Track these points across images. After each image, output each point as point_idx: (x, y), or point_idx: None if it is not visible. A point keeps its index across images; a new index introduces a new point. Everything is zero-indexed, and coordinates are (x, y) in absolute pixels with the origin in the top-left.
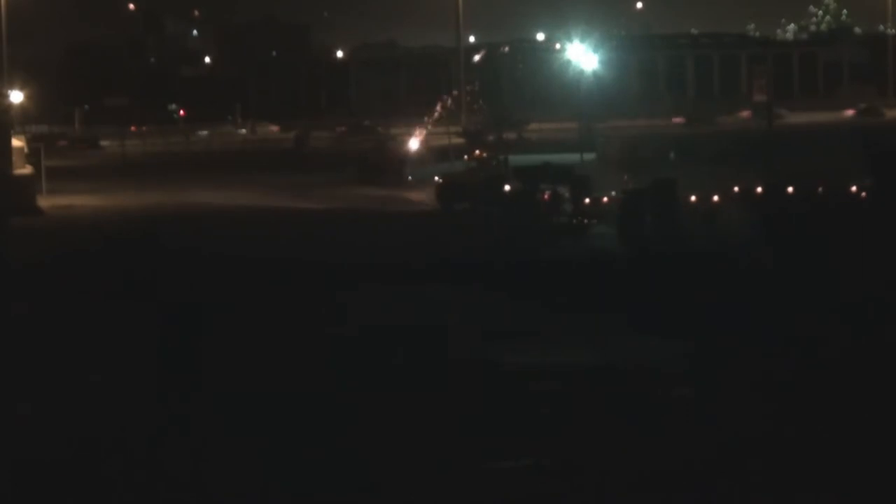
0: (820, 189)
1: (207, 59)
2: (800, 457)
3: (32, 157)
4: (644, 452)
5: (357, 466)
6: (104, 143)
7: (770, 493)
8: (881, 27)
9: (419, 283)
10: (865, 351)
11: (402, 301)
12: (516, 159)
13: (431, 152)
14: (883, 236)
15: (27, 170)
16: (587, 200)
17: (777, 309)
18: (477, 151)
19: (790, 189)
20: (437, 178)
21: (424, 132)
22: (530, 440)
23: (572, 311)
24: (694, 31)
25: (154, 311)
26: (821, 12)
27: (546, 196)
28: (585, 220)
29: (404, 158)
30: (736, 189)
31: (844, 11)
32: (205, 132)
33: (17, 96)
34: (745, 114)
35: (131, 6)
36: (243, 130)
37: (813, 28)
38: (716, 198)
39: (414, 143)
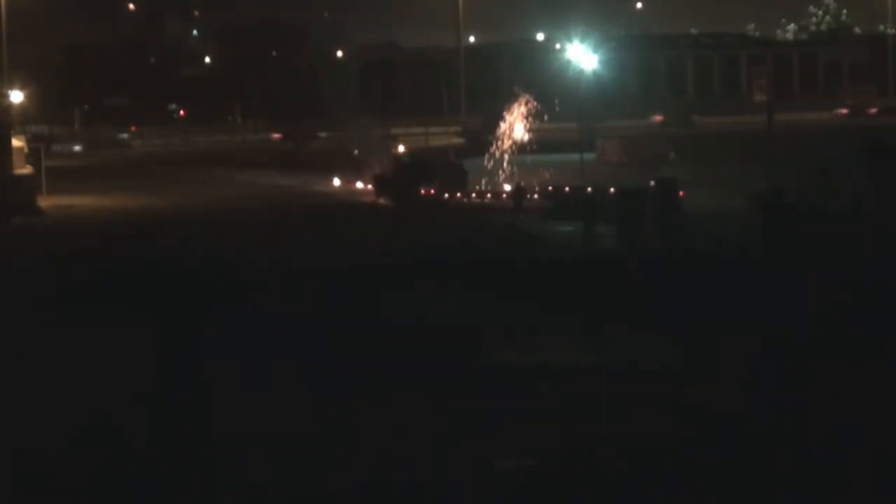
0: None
1: (207, 59)
2: (794, 454)
3: (32, 157)
4: (643, 452)
5: (357, 466)
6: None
7: (767, 492)
8: (881, 27)
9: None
10: (859, 350)
11: (385, 298)
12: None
13: None
14: (882, 239)
15: (27, 170)
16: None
17: (773, 308)
18: (402, 148)
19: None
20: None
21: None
22: (529, 440)
23: (570, 310)
24: (694, 31)
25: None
26: (821, 12)
27: (423, 191)
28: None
29: None
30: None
31: (844, 11)
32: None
33: (17, 96)
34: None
35: (131, 6)
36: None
37: (813, 28)
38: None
39: None
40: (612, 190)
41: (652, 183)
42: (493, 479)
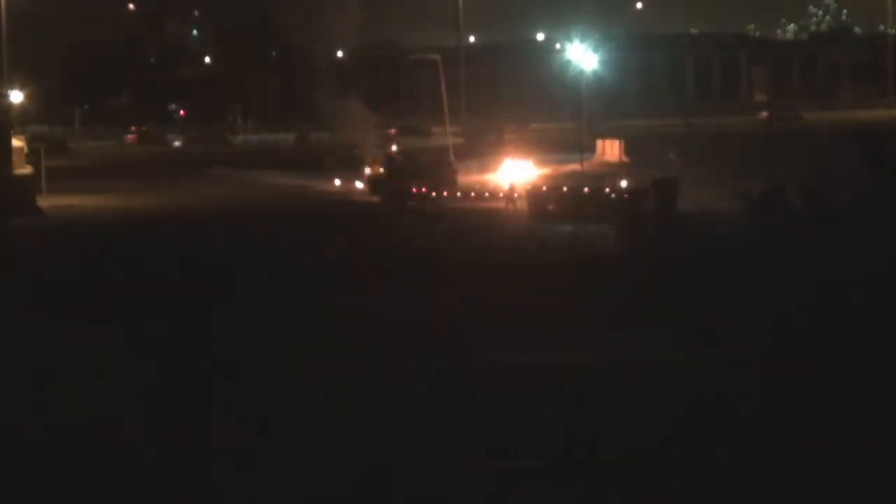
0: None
1: (207, 59)
2: (797, 452)
3: (32, 157)
4: (644, 452)
5: (358, 466)
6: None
7: (771, 491)
8: (881, 27)
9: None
10: (858, 348)
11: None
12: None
13: None
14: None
15: (27, 170)
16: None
17: (773, 308)
18: (394, 149)
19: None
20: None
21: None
22: (530, 439)
23: (570, 310)
24: (694, 31)
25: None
26: (821, 12)
27: (414, 189)
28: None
29: None
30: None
31: (844, 11)
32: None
33: (17, 96)
34: None
35: (131, 6)
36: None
37: (813, 28)
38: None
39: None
40: (585, 190)
41: (624, 183)
42: (492, 479)
